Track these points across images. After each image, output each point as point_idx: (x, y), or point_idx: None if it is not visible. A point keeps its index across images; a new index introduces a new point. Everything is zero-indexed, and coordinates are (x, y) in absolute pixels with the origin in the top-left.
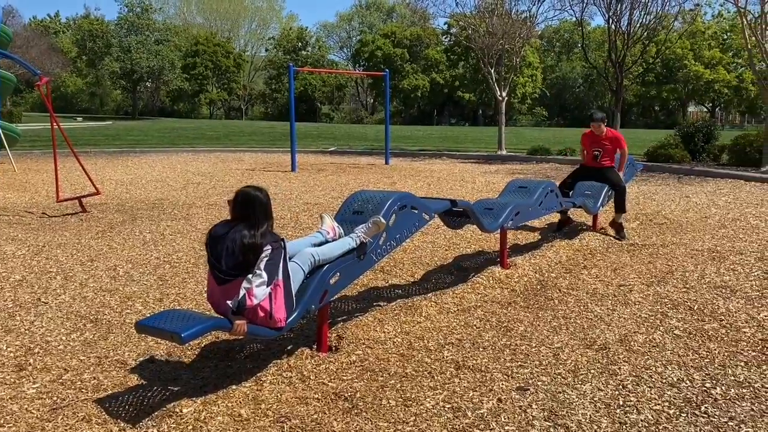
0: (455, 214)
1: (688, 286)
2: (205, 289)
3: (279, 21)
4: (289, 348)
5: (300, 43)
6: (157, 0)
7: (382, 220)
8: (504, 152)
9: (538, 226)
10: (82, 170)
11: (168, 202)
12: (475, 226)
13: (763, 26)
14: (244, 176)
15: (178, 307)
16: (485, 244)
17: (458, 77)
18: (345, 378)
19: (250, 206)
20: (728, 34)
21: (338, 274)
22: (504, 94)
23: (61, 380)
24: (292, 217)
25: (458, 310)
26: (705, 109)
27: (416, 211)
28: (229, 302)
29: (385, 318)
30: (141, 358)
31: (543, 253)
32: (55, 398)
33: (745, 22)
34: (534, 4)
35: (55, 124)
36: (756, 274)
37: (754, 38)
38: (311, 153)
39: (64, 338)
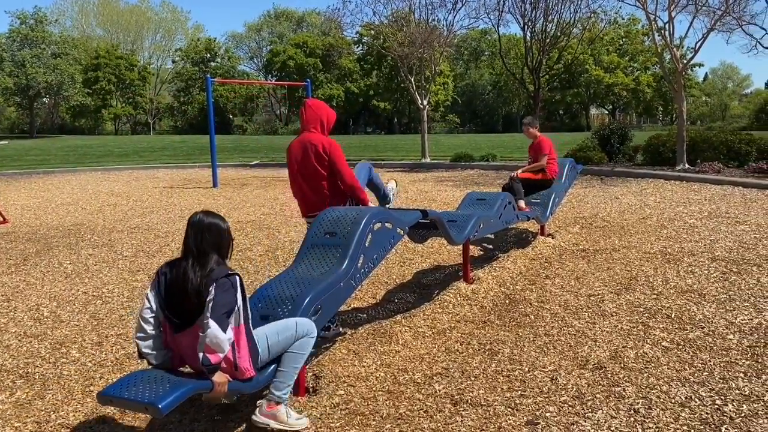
0: (420, 227)
1: (656, 292)
2: None
3: (185, 32)
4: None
5: (209, 54)
6: (53, 11)
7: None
8: (428, 160)
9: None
10: None
11: (85, 227)
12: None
13: (671, 31)
14: (163, 195)
15: (122, 351)
16: (439, 257)
17: (372, 86)
18: (333, 425)
19: (194, 237)
20: (624, 39)
21: (320, 306)
22: (425, 102)
23: None
24: None
25: (434, 333)
26: (606, 112)
27: (390, 227)
28: (200, 354)
29: (360, 349)
30: (88, 419)
31: (501, 264)
32: None
33: (655, 27)
34: (449, 13)
35: None
36: (715, 275)
37: (663, 42)
38: (230, 167)
39: None
